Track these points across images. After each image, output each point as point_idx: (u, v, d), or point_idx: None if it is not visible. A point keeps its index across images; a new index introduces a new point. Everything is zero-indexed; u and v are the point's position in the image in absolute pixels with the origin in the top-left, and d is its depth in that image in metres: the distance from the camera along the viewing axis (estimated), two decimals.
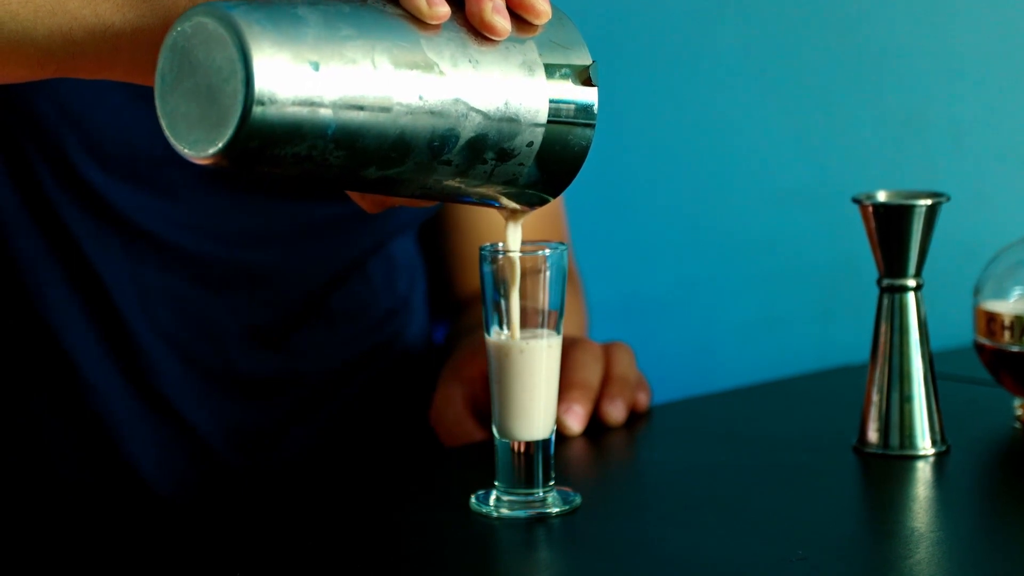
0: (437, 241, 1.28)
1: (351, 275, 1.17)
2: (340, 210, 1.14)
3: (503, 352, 0.88)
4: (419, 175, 0.76)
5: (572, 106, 0.79)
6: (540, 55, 0.78)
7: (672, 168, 1.59)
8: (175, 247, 1.10)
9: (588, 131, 0.80)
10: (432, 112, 0.74)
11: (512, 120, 0.77)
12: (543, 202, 0.83)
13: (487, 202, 0.82)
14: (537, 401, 0.88)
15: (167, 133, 0.73)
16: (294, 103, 0.70)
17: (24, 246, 1.08)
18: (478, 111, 0.75)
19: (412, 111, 0.74)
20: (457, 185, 0.78)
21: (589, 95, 0.79)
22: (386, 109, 0.73)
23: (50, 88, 1.06)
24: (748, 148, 1.57)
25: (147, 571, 0.83)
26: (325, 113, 0.71)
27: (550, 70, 0.78)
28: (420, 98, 0.74)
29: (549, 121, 0.78)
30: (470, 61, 0.75)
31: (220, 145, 0.70)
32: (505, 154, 0.77)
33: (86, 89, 1.06)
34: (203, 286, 1.11)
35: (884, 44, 1.53)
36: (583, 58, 0.80)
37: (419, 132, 0.74)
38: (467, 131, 0.75)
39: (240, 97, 0.69)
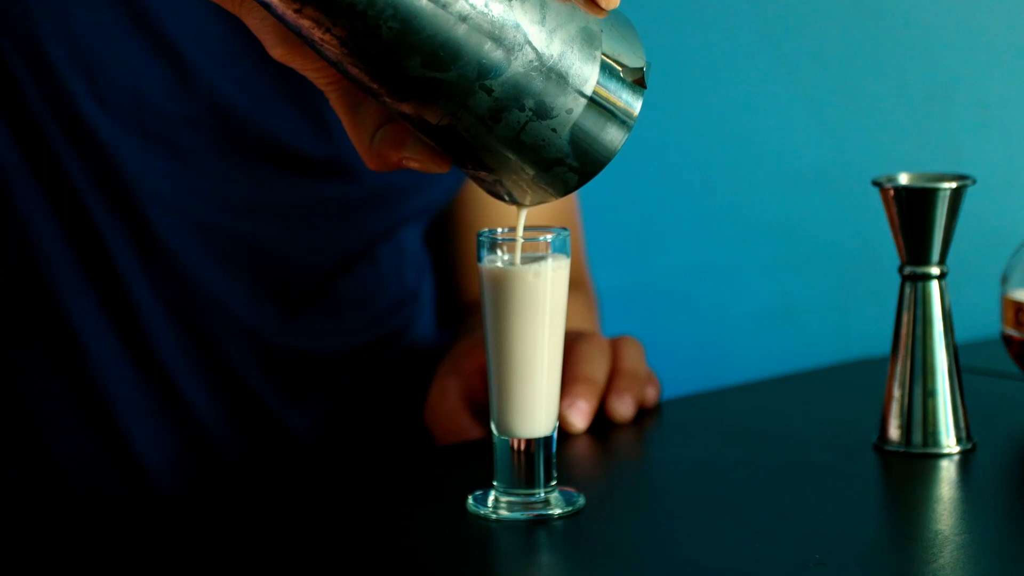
0: (443, 244, 1.29)
1: (359, 260, 1.19)
2: (351, 191, 1.16)
3: (501, 280, 0.86)
4: (456, 95, 0.78)
5: (618, 96, 0.81)
6: (602, 31, 0.81)
7: (681, 149, 1.59)
8: (179, 210, 1.11)
9: (624, 131, 0.82)
10: (492, 26, 0.77)
11: (561, 76, 0.79)
12: (555, 196, 0.83)
13: (498, 179, 0.82)
14: (541, 357, 0.87)
15: None
16: None
17: (23, 198, 1.09)
18: (534, 48, 0.78)
19: (475, 16, 0.77)
20: (485, 131, 0.79)
21: (636, 93, 0.82)
22: (450, 2, 0.76)
23: (62, 31, 1.07)
24: (762, 127, 1.57)
25: (134, 564, 0.83)
26: None
27: (607, 51, 0.81)
28: (485, 6, 0.77)
29: (592, 99, 0.80)
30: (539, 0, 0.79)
31: None
32: (544, 111, 0.79)
33: (99, 35, 1.08)
34: (207, 256, 1.12)
35: (906, 16, 1.53)
36: (639, 57, 0.82)
37: (473, 41, 0.77)
38: (517, 64, 0.78)
39: None
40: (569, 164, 0.81)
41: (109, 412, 1.12)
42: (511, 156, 0.81)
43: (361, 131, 0.82)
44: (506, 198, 0.84)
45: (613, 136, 0.81)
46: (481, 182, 0.83)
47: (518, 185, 0.82)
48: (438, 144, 0.81)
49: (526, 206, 0.85)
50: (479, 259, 0.87)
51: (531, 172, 0.81)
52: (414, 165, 0.82)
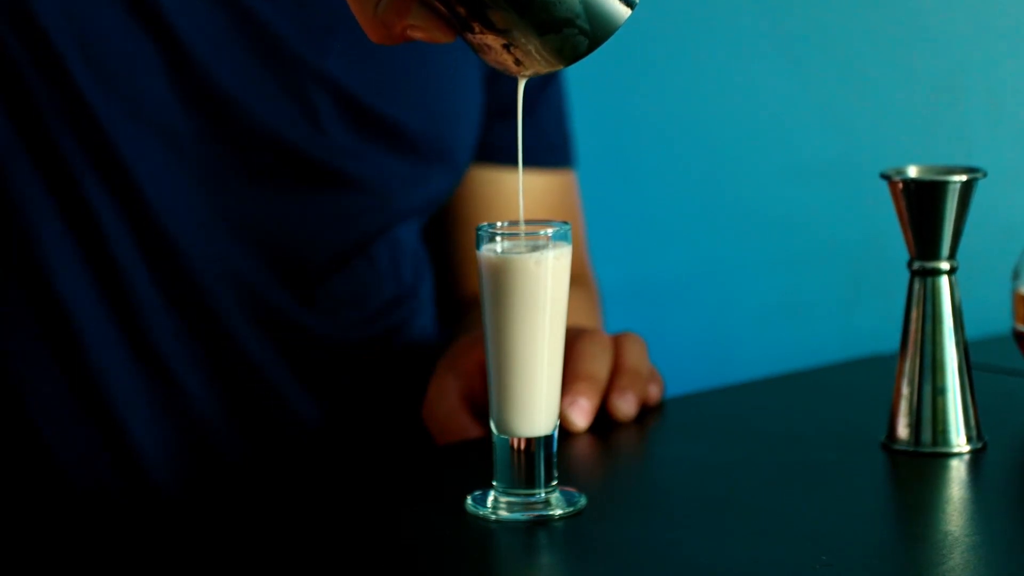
0: (442, 242, 1.30)
1: (355, 257, 1.19)
2: (346, 188, 1.17)
3: (501, 269, 0.85)
4: None
5: None
6: None
7: (686, 143, 1.58)
8: (175, 196, 1.12)
9: (628, 5, 0.82)
10: None
11: None
12: (562, 63, 0.82)
13: (506, 43, 0.82)
14: (541, 350, 0.86)
15: None
16: None
17: (20, 179, 1.10)
18: None
19: None
20: None
21: None
22: None
23: (59, 8, 1.08)
24: (768, 121, 1.57)
25: (134, 563, 0.83)
26: None
27: None
28: None
29: None
30: None
31: None
32: None
33: (96, 13, 1.09)
34: (204, 244, 1.13)
35: (915, 9, 1.53)
36: None
37: None
38: None
39: None
40: (580, 26, 0.81)
41: (108, 407, 1.12)
42: (521, 14, 0.80)
43: (364, 1, 0.82)
44: (513, 66, 0.83)
45: (619, 6, 0.81)
46: (487, 50, 0.83)
47: (526, 50, 0.82)
48: (446, 4, 0.81)
49: (528, 75, 0.84)
50: (477, 248, 0.87)
51: (541, 33, 0.81)
52: (418, 35, 0.82)
